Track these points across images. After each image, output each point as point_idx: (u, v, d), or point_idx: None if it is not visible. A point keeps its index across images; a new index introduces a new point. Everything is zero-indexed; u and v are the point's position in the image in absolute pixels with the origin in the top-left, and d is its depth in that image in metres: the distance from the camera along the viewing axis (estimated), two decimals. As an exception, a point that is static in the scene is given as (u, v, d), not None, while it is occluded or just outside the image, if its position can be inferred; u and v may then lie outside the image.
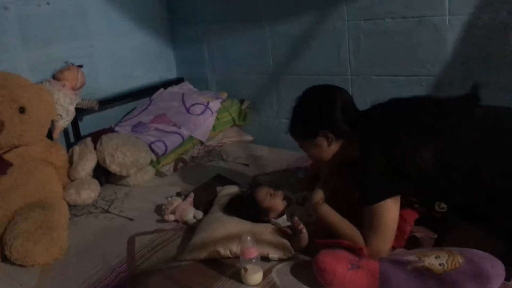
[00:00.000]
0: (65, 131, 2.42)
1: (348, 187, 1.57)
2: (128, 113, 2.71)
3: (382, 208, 1.34)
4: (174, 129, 2.49)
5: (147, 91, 2.81)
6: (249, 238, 1.39)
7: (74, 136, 2.43)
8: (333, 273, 1.28)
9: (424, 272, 1.21)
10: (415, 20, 2.06)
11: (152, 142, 2.36)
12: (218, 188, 1.99)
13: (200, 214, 1.83)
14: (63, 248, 1.70)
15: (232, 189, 1.96)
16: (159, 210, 1.92)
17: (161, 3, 2.96)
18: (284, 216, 1.62)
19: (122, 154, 2.19)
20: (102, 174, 2.32)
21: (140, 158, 2.22)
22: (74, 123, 2.38)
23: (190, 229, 1.76)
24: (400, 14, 2.09)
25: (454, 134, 1.33)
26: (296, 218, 1.52)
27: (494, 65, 1.93)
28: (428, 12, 2.02)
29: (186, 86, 2.96)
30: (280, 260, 1.49)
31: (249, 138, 2.81)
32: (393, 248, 1.41)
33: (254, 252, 1.38)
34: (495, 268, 1.17)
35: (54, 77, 2.27)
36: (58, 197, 1.99)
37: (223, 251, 1.51)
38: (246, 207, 1.68)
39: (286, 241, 1.53)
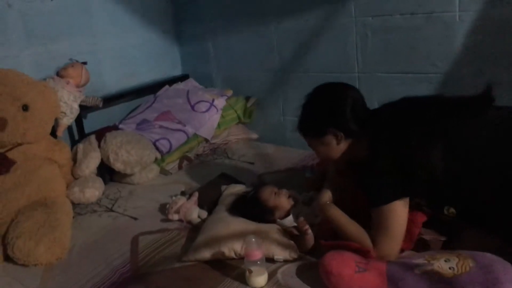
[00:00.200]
0: (69, 128, 2.40)
1: (355, 187, 1.54)
2: (132, 110, 2.70)
3: (391, 210, 1.32)
4: (179, 126, 2.47)
5: (151, 88, 2.80)
6: (253, 239, 1.37)
7: (78, 133, 2.42)
8: (340, 276, 1.25)
9: (433, 276, 1.18)
10: (424, 16, 2.02)
11: (157, 140, 2.35)
12: (223, 187, 1.97)
13: (204, 214, 1.81)
14: (66, 248, 1.68)
15: (237, 188, 1.94)
16: (163, 209, 1.91)
17: (166, -1, 2.94)
18: (291, 216, 1.60)
19: (126, 152, 2.17)
20: (106, 172, 2.31)
21: (144, 156, 2.21)
22: (78, 120, 2.36)
23: (195, 228, 1.74)
24: (409, 10, 2.05)
25: (465, 136, 1.30)
26: (301, 219, 1.50)
27: (505, 62, 1.88)
28: (438, 8, 1.98)
29: (191, 83, 2.94)
30: (286, 261, 1.47)
31: (254, 136, 2.79)
32: (402, 250, 1.39)
33: (258, 254, 1.36)
34: (507, 272, 1.14)
35: (58, 74, 2.25)
36: (61, 196, 1.97)
37: (228, 252, 1.49)
38: (251, 208, 1.66)
39: (291, 242, 1.51)
